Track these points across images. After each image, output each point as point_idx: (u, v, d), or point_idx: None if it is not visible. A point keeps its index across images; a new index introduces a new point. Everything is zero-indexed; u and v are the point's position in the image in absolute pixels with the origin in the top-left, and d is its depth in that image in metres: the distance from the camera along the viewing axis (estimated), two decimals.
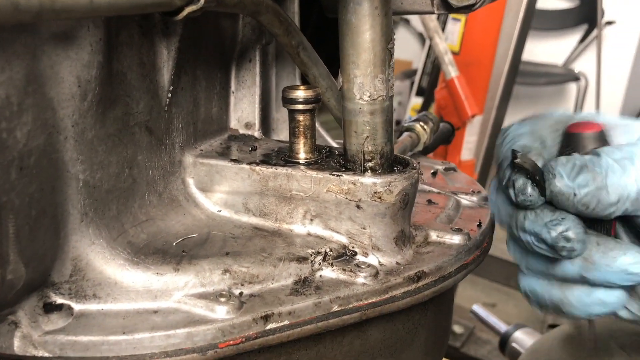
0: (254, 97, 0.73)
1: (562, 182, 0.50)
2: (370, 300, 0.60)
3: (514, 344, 1.61)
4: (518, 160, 0.50)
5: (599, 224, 0.55)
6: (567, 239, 0.50)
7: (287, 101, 0.63)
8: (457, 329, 2.38)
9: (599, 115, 0.58)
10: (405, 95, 5.35)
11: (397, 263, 0.64)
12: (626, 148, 0.52)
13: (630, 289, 0.55)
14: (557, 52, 4.91)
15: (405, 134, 0.98)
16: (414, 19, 5.20)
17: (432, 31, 2.12)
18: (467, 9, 0.71)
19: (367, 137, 0.62)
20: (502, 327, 1.69)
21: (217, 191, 0.66)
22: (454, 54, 2.15)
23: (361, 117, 0.61)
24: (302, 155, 0.65)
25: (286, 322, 0.56)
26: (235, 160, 0.65)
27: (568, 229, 0.51)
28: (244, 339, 0.54)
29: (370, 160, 0.63)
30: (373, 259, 0.63)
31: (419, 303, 0.66)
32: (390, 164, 0.64)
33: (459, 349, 2.32)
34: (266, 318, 0.55)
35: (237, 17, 0.71)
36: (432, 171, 0.90)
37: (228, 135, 0.74)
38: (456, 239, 0.68)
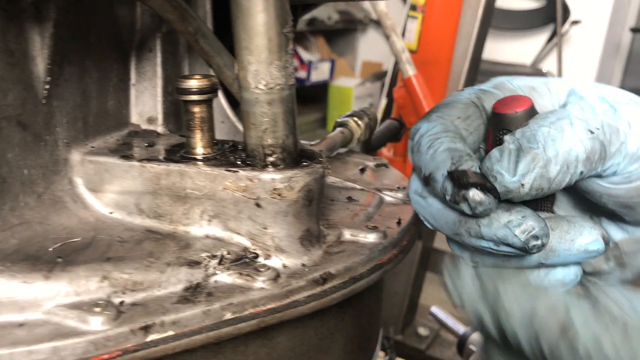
0: (155, 90, 0.68)
1: (505, 180, 0.45)
2: (268, 306, 0.55)
3: (471, 346, 1.58)
4: (462, 180, 0.45)
5: (541, 202, 0.51)
6: (536, 237, 0.46)
7: (180, 91, 0.58)
8: (422, 331, 2.35)
9: (512, 80, 0.52)
10: (377, 97, 5.34)
11: (303, 265, 0.59)
12: (559, 110, 0.46)
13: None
14: (525, 51, 4.94)
15: (338, 129, 0.94)
16: None
17: (389, 29, 2.09)
18: None
19: (266, 129, 0.57)
20: (461, 329, 1.66)
21: (108, 191, 0.61)
22: (412, 52, 2.12)
23: (258, 107, 0.56)
24: (199, 150, 0.60)
25: (170, 333, 0.51)
26: (125, 157, 0.60)
27: (533, 227, 0.46)
28: (121, 352, 0.49)
29: (270, 155, 0.58)
30: (276, 261, 0.59)
31: (332, 307, 0.62)
32: (295, 158, 0.60)
33: (424, 351, 2.28)
34: (146, 329, 0.50)
35: (133, 3, 0.65)
36: (360, 167, 0.86)
37: (128, 131, 0.68)
38: (371, 238, 0.64)
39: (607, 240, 0.48)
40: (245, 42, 0.55)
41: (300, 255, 0.59)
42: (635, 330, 0.37)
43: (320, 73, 5.37)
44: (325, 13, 5.36)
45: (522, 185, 0.44)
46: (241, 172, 0.57)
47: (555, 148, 0.44)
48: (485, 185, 0.45)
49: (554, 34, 4.70)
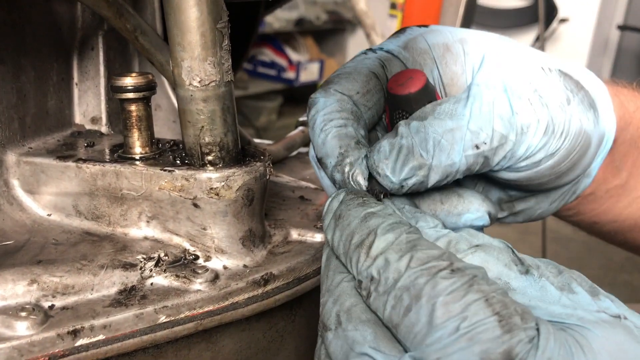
0: (99, 89, 0.67)
1: (388, 180, 0.46)
2: (206, 309, 0.54)
3: None
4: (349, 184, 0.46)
5: None
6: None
7: (115, 89, 0.57)
8: None
9: (427, 36, 0.51)
10: None
11: (245, 266, 0.58)
12: (459, 110, 0.46)
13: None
14: None
15: (299, 128, 0.92)
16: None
17: (369, 28, 2.07)
18: None
19: (203, 127, 0.56)
20: None
21: (45, 193, 0.59)
22: None
23: (194, 105, 0.55)
24: (137, 149, 0.59)
25: (101, 337, 0.50)
26: (62, 158, 0.58)
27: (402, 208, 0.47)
28: (47, 358, 0.48)
29: (208, 154, 0.56)
30: (216, 263, 0.57)
31: (281, 308, 0.60)
32: (235, 156, 0.58)
33: None
34: (75, 333, 0.49)
35: (71, 0, 0.64)
36: None
37: (71, 131, 0.67)
38: (318, 238, 0.63)
39: (492, 216, 0.50)
40: (177, 38, 0.53)
41: (242, 256, 0.58)
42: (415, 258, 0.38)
43: (309, 74, 5.35)
44: (313, 13, 5.35)
45: (402, 187, 0.46)
46: (177, 172, 0.55)
47: (440, 160, 0.45)
48: (372, 190, 0.47)
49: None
